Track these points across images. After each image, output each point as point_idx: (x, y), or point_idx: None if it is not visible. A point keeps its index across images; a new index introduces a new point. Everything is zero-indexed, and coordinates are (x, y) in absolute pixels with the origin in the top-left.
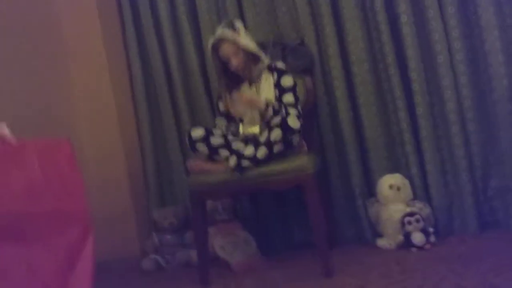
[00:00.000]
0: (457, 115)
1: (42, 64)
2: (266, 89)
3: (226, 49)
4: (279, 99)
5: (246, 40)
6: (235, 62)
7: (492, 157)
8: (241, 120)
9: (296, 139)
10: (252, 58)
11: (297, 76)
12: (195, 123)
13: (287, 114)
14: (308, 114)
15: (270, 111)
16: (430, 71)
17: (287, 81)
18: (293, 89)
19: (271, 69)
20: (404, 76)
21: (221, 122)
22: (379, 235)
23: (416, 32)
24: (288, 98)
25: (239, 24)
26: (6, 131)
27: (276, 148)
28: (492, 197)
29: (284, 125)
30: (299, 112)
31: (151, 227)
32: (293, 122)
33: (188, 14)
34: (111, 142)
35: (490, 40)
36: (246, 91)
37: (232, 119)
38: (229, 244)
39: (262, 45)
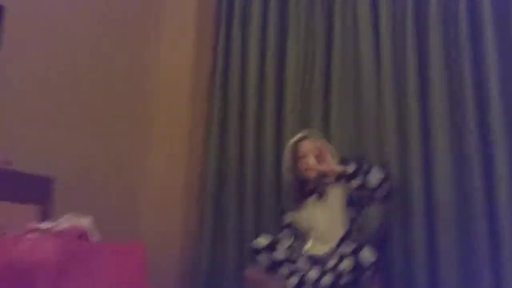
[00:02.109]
0: None
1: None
2: (334, 204)
3: (307, 146)
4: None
5: (328, 146)
6: (312, 161)
7: None
8: (307, 237)
9: (368, 274)
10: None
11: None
12: (259, 227)
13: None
14: (377, 246)
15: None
16: None
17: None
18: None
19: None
20: (493, 216)
21: (285, 237)
22: None
23: None
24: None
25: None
26: (91, 226)
27: (344, 280)
28: None
29: (356, 257)
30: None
31: None
32: (368, 254)
33: (274, 124)
34: (173, 226)
35: None
36: (311, 208)
37: (297, 234)
38: None
39: (341, 160)
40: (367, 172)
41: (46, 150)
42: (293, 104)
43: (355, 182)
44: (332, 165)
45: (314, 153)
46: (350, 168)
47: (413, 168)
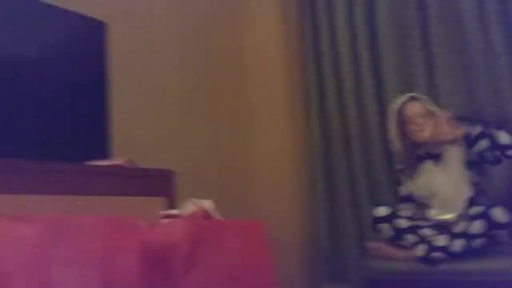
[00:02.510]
0: None
1: (226, 122)
2: (455, 166)
3: (415, 108)
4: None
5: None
6: (423, 123)
7: None
8: (427, 205)
9: (503, 234)
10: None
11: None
12: (373, 198)
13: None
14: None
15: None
16: None
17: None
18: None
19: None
20: None
21: (406, 206)
22: None
23: None
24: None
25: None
26: (212, 207)
27: (476, 243)
28: None
29: (487, 218)
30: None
31: None
32: (499, 214)
33: (373, 86)
34: (287, 206)
35: None
36: (429, 173)
37: (417, 204)
38: None
39: (460, 117)
40: (491, 134)
41: (163, 146)
42: (392, 63)
43: (483, 143)
44: (451, 129)
45: (424, 116)
46: (475, 130)
47: None
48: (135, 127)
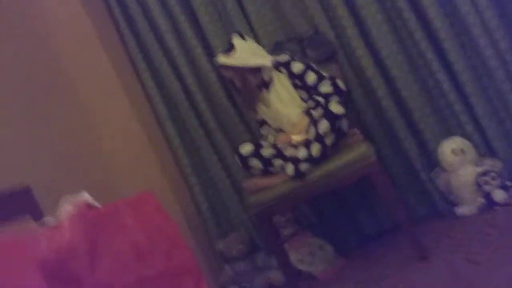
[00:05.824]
0: (496, 60)
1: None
2: (282, 89)
3: (224, 74)
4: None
5: (241, 58)
6: (238, 83)
7: None
8: (281, 130)
9: (344, 125)
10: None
11: (321, 66)
12: (230, 141)
13: (327, 100)
14: (344, 101)
15: (312, 116)
16: (457, 25)
17: (296, 67)
18: (308, 71)
19: (277, 67)
20: (432, 36)
21: (266, 130)
22: (454, 204)
23: None
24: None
25: (236, 41)
26: (89, 197)
27: (328, 140)
28: None
29: (327, 114)
30: (333, 82)
31: (220, 260)
32: (336, 107)
33: (191, 28)
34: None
35: None
36: (267, 100)
37: (273, 128)
38: (306, 255)
39: (276, 44)
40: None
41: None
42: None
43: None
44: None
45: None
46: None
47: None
48: None
